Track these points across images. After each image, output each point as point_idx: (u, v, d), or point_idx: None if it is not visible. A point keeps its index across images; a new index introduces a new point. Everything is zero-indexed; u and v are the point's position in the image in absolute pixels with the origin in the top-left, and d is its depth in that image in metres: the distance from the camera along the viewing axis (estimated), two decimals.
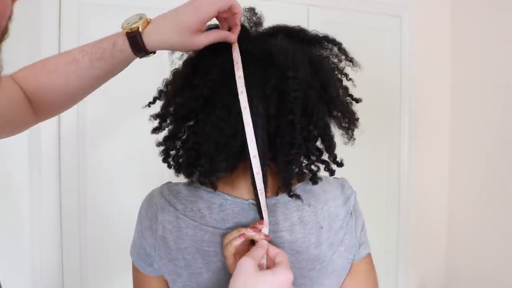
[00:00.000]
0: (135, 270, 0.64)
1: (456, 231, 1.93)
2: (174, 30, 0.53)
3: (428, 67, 1.93)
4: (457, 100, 1.94)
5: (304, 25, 0.63)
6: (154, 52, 0.58)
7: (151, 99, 0.66)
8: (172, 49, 0.58)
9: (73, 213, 1.51)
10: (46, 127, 1.46)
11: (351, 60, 0.64)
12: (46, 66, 0.58)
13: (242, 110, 0.53)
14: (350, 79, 0.64)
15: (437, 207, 1.97)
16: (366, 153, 1.81)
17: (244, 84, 0.53)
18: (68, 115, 1.48)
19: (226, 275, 0.58)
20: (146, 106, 0.65)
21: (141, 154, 1.56)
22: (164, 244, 0.59)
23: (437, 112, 1.96)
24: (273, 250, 0.53)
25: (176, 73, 0.62)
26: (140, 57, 0.58)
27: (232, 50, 0.56)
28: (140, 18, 0.55)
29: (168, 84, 0.63)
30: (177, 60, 0.64)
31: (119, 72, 0.61)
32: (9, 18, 0.29)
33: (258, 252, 0.52)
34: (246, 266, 0.48)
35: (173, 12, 0.55)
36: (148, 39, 0.55)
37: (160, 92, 0.64)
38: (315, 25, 1.66)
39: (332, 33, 0.65)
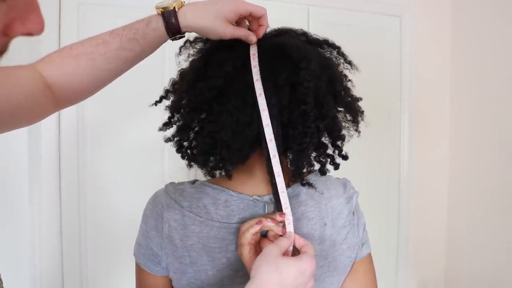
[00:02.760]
0: (140, 271, 0.64)
1: (456, 231, 1.93)
2: (211, 13, 0.57)
3: (428, 67, 1.93)
4: (457, 100, 1.94)
5: (304, 25, 0.64)
6: (183, 36, 0.61)
7: (152, 99, 0.66)
8: (203, 31, 0.59)
9: (73, 213, 1.51)
10: (46, 127, 1.46)
11: (349, 62, 0.66)
12: (73, 50, 0.59)
13: (258, 97, 0.55)
14: (350, 80, 0.66)
15: (437, 207, 1.97)
16: (366, 153, 1.81)
17: (259, 73, 0.56)
18: (68, 115, 1.49)
19: (230, 271, 0.59)
20: (152, 104, 0.66)
21: (142, 154, 1.57)
22: (170, 242, 0.60)
23: (437, 112, 1.96)
24: (301, 241, 0.54)
25: (184, 72, 0.64)
26: (172, 38, 0.60)
27: (250, 46, 0.60)
28: (175, 1, 0.58)
29: (175, 83, 0.64)
30: (183, 61, 0.66)
31: (146, 56, 0.62)
32: (1, 53, 0.28)
33: (284, 242, 0.53)
34: (270, 250, 0.50)
35: (210, 1, 0.59)
36: (184, 18, 0.57)
37: (167, 91, 0.65)
38: (315, 25, 1.67)
39: (332, 33, 0.66)
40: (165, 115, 0.64)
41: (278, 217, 0.56)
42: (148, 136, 1.54)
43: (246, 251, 0.55)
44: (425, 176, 1.95)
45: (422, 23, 1.91)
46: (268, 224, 0.55)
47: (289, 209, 0.56)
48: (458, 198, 1.92)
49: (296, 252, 0.54)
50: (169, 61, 1.49)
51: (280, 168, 0.55)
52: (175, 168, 1.58)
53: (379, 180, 1.90)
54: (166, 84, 0.66)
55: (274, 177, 0.56)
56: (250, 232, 0.55)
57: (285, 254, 0.52)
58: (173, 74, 0.66)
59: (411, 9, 1.90)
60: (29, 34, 0.28)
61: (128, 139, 1.56)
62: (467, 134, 1.87)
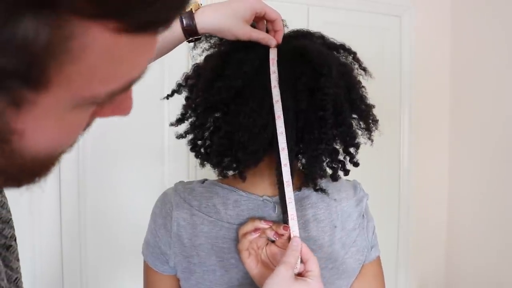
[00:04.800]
0: (148, 270, 0.64)
1: (456, 231, 1.93)
2: (227, 14, 0.57)
3: (428, 67, 1.93)
4: (456, 100, 1.94)
5: (304, 25, 0.64)
6: (200, 38, 0.61)
7: (152, 100, 0.66)
8: (220, 32, 0.59)
9: (73, 213, 1.51)
10: None
11: (364, 69, 0.66)
12: None
13: (274, 104, 0.54)
14: (363, 86, 0.65)
15: (437, 207, 1.97)
16: (366, 153, 1.81)
17: (277, 79, 0.55)
18: None
19: (238, 273, 0.59)
20: (164, 98, 0.65)
21: (142, 154, 1.56)
22: (179, 241, 0.60)
23: (437, 112, 1.96)
24: (306, 254, 0.52)
25: (199, 68, 0.63)
26: (188, 40, 0.60)
27: (270, 50, 0.59)
28: (191, 3, 0.58)
29: (188, 78, 0.64)
30: (197, 56, 0.66)
31: (160, 56, 0.61)
32: (86, 128, 0.27)
33: (293, 256, 0.51)
34: (283, 273, 0.48)
35: (226, 1, 0.59)
36: (201, 19, 0.57)
37: (179, 85, 0.65)
38: (315, 25, 1.66)
39: (332, 33, 0.65)
40: (166, 115, 0.63)
41: (281, 230, 0.54)
42: (148, 137, 1.54)
43: (246, 256, 0.55)
44: (425, 176, 1.95)
45: (422, 23, 1.91)
46: (262, 226, 0.55)
47: (296, 220, 0.54)
48: (458, 198, 1.92)
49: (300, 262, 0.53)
50: (169, 62, 1.49)
51: (290, 178, 0.54)
52: (175, 169, 1.57)
53: (379, 180, 1.89)
54: (166, 85, 0.66)
55: (282, 184, 0.55)
56: (248, 239, 0.55)
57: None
58: (173, 75, 0.66)
59: (411, 9, 1.90)
60: (115, 115, 0.28)
61: (128, 139, 1.55)
62: (467, 134, 1.87)
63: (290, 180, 0.55)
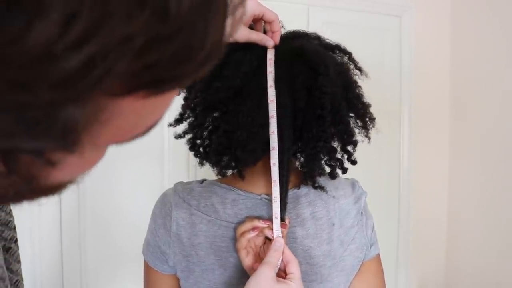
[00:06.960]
0: (148, 270, 0.65)
1: (456, 231, 1.93)
2: None
3: (428, 67, 1.94)
4: (456, 99, 1.94)
5: (304, 25, 0.64)
6: None
7: None
8: None
9: (73, 213, 1.51)
10: None
11: (359, 69, 0.66)
12: None
13: (269, 104, 0.55)
14: (360, 86, 0.65)
15: (437, 207, 1.97)
16: (366, 153, 1.81)
17: (273, 79, 0.56)
18: None
19: (237, 271, 0.59)
20: None
21: (142, 154, 1.56)
22: (178, 241, 0.61)
23: (437, 111, 1.96)
24: (288, 256, 0.54)
25: None
26: None
27: (268, 50, 0.60)
28: None
29: None
30: None
31: None
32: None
33: (275, 257, 0.52)
34: (264, 276, 0.49)
35: None
36: None
37: None
38: (315, 25, 1.67)
39: (332, 33, 0.66)
40: (166, 116, 0.64)
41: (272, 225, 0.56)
42: (148, 138, 1.54)
43: (244, 255, 0.56)
44: (425, 176, 1.95)
45: (422, 23, 1.91)
46: (260, 225, 0.56)
47: (279, 219, 0.56)
48: (458, 198, 1.92)
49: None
50: None
51: (278, 177, 0.56)
52: (175, 169, 1.58)
53: (379, 181, 1.90)
54: None
55: (283, 179, 0.56)
56: (246, 238, 0.55)
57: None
58: None
59: (411, 9, 1.90)
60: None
61: None
62: (467, 134, 1.87)
63: (278, 180, 0.56)
